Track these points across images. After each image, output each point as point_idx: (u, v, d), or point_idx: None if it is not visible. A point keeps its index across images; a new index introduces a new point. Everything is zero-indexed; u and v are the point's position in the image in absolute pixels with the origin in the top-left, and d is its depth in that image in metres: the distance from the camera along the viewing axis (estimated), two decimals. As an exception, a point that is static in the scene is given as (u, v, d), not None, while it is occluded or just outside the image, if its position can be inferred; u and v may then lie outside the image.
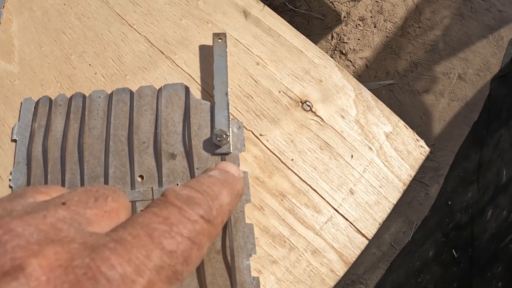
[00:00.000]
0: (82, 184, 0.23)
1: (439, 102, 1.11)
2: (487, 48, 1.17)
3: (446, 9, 1.18)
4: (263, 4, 0.28)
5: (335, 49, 1.08)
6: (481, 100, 1.13)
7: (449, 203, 1.19)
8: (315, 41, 1.07)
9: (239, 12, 0.27)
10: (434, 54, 1.13)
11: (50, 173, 0.23)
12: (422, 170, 1.11)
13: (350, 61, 1.07)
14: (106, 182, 0.22)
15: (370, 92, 0.27)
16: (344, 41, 1.09)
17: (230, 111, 0.23)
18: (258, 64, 0.25)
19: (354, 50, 1.08)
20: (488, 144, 1.14)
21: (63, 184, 0.23)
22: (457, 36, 1.16)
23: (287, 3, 1.08)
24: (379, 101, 0.27)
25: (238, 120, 0.23)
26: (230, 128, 0.22)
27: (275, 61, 0.25)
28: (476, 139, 1.19)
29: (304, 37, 0.27)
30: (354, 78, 0.27)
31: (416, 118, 1.09)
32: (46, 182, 0.23)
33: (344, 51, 1.08)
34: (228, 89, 0.23)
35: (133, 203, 0.22)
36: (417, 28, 1.14)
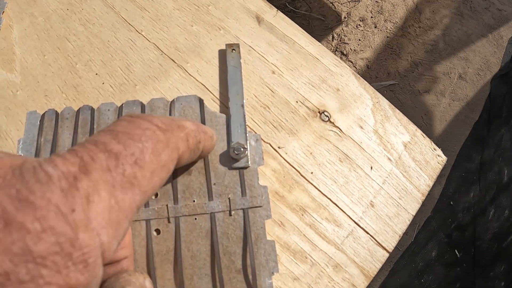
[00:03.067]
0: None
1: (440, 102, 1.11)
2: (487, 48, 1.17)
3: (446, 8, 1.18)
4: (276, 9, 0.27)
5: (336, 50, 1.08)
6: (481, 100, 1.13)
7: (451, 203, 1.19)
8: (316, 41, 1.07)
9: (252, 17, 0.26)
10: (435, 54, 1.13)
11: None
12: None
13: (351, 62, 1.07)
14: None
15: (388, 101, 0.26)
16: (345, 41, 1.08)
17: (247, 124, 0.22)
18: (274, 72, 0.24)
19: (355, 50, 1.08)
20: (489, 143, 1.14)
21: None
22: (457, 36, 1.16)
23: (287, 4, 1.07)
24: (396, 109, 0.26)
25: (255, 132, 0.22)
26: (248, 141, 0.21)
27: (291, 69, 0.25)
28: (477, 139, 1.19)
29: (319, 43, 0.26)
30: (371, 87, 0.26)
31: (417, 119, 1.09)
32: None
33: (345, 52, 1.07)
34: (244, 101, 0.22)
35: (147, 221, 0.21)
36: (417, 28, 1.13)
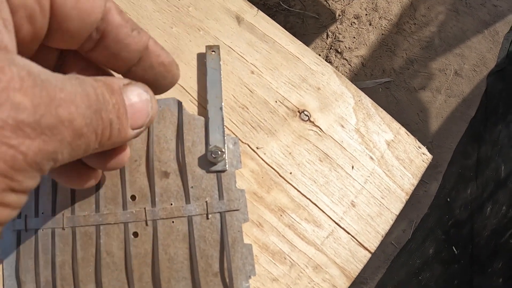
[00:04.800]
0: (73, 204, 0.22)
1: (436, 98, 1.11)
2: (483, 44, 1.17)
3: (441, 5, 1.17)
4: (257, 9, 0.27)
5: (330, 48, 1.08)
6: (478, 96, 1.13)
7: (448, 200, 1.19)
8: (310, 40, 1.06)
9: (232, 18, 0.26)
10: (430, 51, 1.13)
11: (41, 197, 0.22)
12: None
13: (346, 60, 1.07)
14: (97, 203, 0.21)
15: (370, 99, 0.26)
16: (340, 39, 1.08)
17: (225, 125, 0.22)
18: (253, 72, 0.24)
19: (349, 48, 1.08)
20: (485, 140, 1.14)
21: (53, 206, 0.22)
22: (452, 32, 1.16)
23: (281, 3, 1.06)
24: (379, 107, 0.26)
25: (233, 133, 0.22)
26: (226, 144, 0.21)
27: (270, 69, 0.24)
28: (474, 135, 1.18)
29: (300, 42, 0.26)
30: (353, 85, 0.26)
31: (413, 116, 1.08)
32: (37, 202, 0.22)
33: (339, 50, 1.07)
34: (223, 103, 0.22)
35: (125, 224, 0.21)
36: (412, 25, 1.13)
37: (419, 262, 1.09)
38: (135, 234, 0.21)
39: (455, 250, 1.07)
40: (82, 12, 0.13)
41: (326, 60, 1.13)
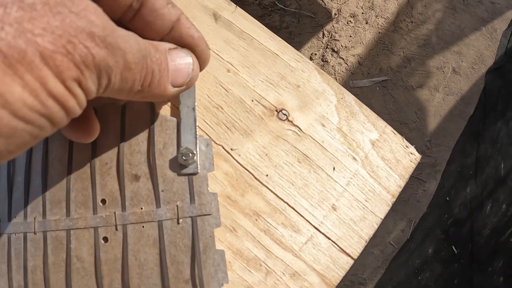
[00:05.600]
0: (44, 208, 0.21)
1: (434, 97, 1.10)
2: (481, 41, 1.15)
3: (438, 2, 1.16)
4: (235, 5, 0.26)
5: (326, 47, 1.06)
6: (476, 94, 1.12)
7: (448, 199, 1.17)
8: (306, 39, 1.05)
9: (209, 15, 0.25)
10: (428, 49, 1.12)
11: (14, 201, 0.21)
12: (419, 166, 1.09)
13: (342, 59, 1.05)
14: (67, 207, 0.21)
15: (354, 96, 0.25)
16: (336, 38, 1.07)
17: (198, 125, 0.21)
18: (229, 71, 0.23)
19: (346, 47, 1.06)
20: (485, 137, 1.12)
21: (26, 210, 0.21)
22: (450, 30, 1.14)
23: (276, 2, 1.05)
24: (364, 105, 0.25)
25: (207, 134, 0.21)
26: (198, 146, 0.20)
27: (247, 67, 0.23)
28: (473, 133, 1.17)
29: (280, 39, 0.25)
30: (335, 82, 0.25)
31: (411, 114, 1.07)
32: (10, 206, 0.21)
33: (336, 49, 1.06)
34: (196, 104, 0.21)
35: (95, 229, 0.20)
36: (409, 23, 1.12)
37: (418, 262, 1.07)
38: (105, 239, 0.20)
39: (454, 249, 1.06)
40: None
41: (322, 60, 1.12)
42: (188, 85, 0.18)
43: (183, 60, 0.17)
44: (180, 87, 0.17)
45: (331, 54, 1.06)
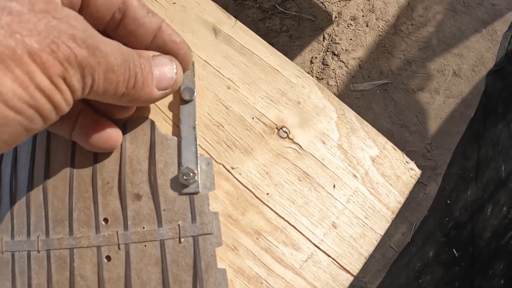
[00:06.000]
0: (47, 227, 0.21)
1: (435, 99, 1.09)
2: (481, 43, 1.15)
3: (439, 4, 1.16)
4: (235, 19, 0.26)
5: (327, 50, 1.06)
6: (477, 96, 1.11)
7: (448, 202, 1.17)
8: (307, 43, 1.05)
9: (208, 30, 0.25)
10: (428, 51, 1.12)
11: (16, 218, 0.21)
12: (420, 169, 1.09)
13: (343, 62, 1.05)
14: (70, 226, 0.21)
15: (354, 112, 0.25)
16: (336, 41, 1.07)
17: (198, 144, 0.21)
18: (229, 87, 0.23)
19: (346, 50, 1.06)
20: (485, 140, 1.12)
21: (28, 228, 0.21)
22: (450, 32, 1.14)
23: (277, 5, 1.05)
24: (364, 121, 0.25)
25: (207, 153, 0.21)
26: (198, 165, 0.20)
27: (248, 83, 0.23)
28: (473, 135, 1.17)
29: (280, 54, 0.25)
30: (336, 98, 0.25)
31: (411, 117, 1.07)
32: (13, 223, 0.22)
33: (336, 52, 1.06)
34: (196, 122, 0.21)
35: (98, 248, 0.20)
36: (409, 25, 1.12)
37: (419, 265, 1.07)
38: (108, 258, 0.20)
39: (455, 252, 1.06)
40: None
41: (322, 63, 1.12)
42: (173, 89, 0.19)
43: (167, 65, 0.18)
44: (165, 91, 0.18)
45: (332, 57, 1.06)
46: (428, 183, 1.07)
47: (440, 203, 1.10)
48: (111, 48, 0.15)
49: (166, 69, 0.18)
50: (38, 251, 0.21)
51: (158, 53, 0.18)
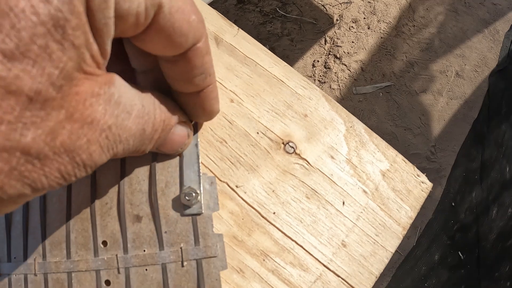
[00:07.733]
0: (44, 249, 0.20)
1: (438, 101, 1.08)
2: (484, 43, 1.14)
3: (440, 5, 1.15)
4: (237, 27, 0.25)
5: (329, 54, 1.05)
6: (480, 97, 1.10)
7: (453, 204, 1.16)
8: (308, 46, 1.04)
9: (210, 39, 0.24)
10: (430, 53, 1.11)
11: (13, 240, 0.20)
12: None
13: (345, 65, 1.04)
14: (68, 249, 0.20)
15: (363, 124, 0.24)
16: (338, 44, 1.06)
17: (201, 162, 0.20)
18: (232, 101, 0.22)
19: (348, 53, 1.05)
20: (489, 141, 1.11)
21: (25, 250, 0.20)
22: (452, 33, 1.13)
23: (278, 9, 1.05)
24: (374, 133, 0.24)
25: (210, 171, 0.20)
26: (201, 185, 0.19)
27: (252, 96, 0.23)
28: (477, 136, 1.15)
29: (285, 64, 0.24)
30: (344, 109, 0.24)
31: (415, 119, 1.06)
32: (9, 246, 0.21)
33: (338, 55, 1.05)
34: (198, 139, 0.20)
35: (97, 272, 0.19)
36: (411, 27, 1.11)
37: (425, 268, 1.06)
38: (107, 283, 0.19)
39: (461, 255, 1.04)
40: None
41: (324, 66, 1.11)
42: (182, 149, 0.20)
43: (181, 133, 0.18)
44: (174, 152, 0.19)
45: (334, 61, 1.05)
46: (432, 186, 1.06)
47: (445, 206, 1.08)
48: (132, 133, 0.15)
49: (179, 137, 0.18)
50: (35, 274, 0.20)
51: (183, 119, 0.18)
